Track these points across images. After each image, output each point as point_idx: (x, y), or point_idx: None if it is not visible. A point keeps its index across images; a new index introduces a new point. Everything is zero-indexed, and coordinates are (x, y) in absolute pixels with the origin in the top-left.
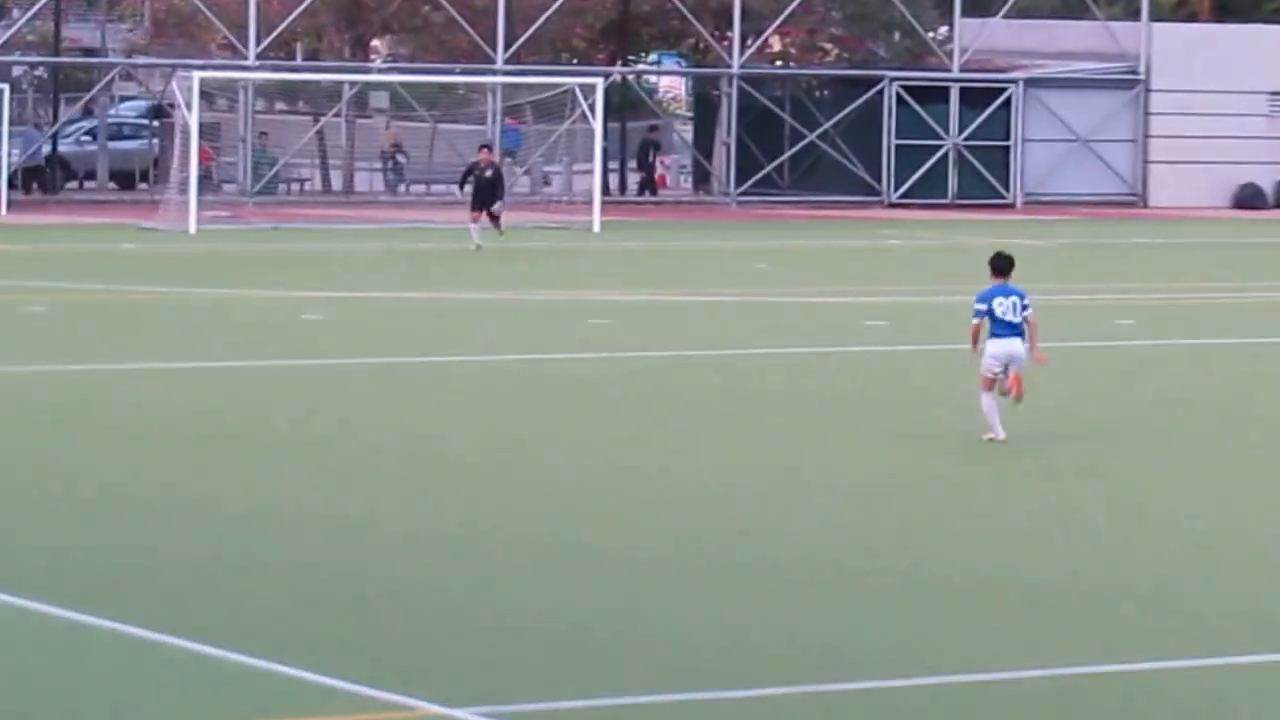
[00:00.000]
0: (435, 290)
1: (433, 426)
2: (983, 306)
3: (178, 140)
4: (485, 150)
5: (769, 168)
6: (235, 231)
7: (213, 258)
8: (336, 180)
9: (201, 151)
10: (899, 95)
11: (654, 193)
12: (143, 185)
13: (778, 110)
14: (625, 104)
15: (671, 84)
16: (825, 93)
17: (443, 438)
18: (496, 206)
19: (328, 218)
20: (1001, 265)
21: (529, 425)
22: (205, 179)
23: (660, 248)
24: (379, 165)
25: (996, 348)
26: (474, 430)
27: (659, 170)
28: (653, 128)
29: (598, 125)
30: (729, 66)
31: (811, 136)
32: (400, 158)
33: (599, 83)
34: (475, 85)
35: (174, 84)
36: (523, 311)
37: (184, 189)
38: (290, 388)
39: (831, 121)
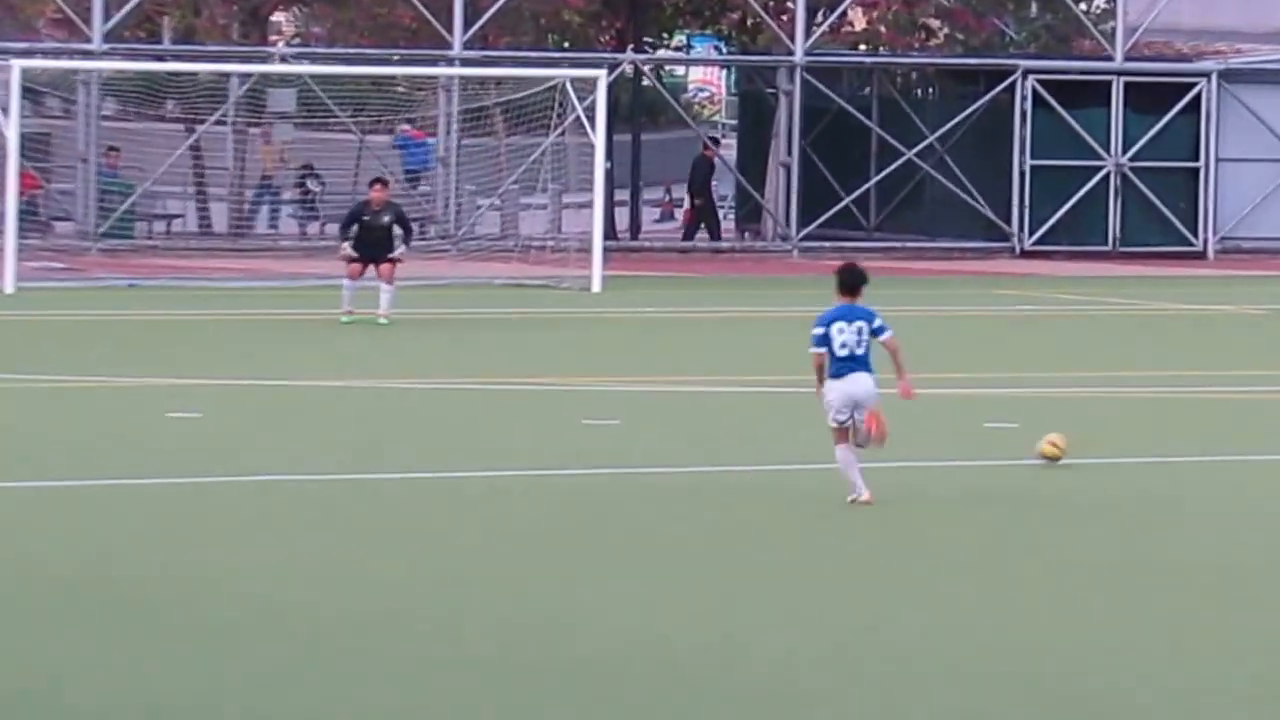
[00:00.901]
0: (360, 374)
1: (366, 584)
2: (821, 332)
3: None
4: (378, 187)
5: (847, 200)
6: (72, 291)
7: (39, 329)
8: (219, 217)
9: (24, 176)
10: (1036, 94)
11: (715, 236)
12: None
13: (860, 116)
14: (639, 107)
15: (707, 78)
16: (930, 91)
17: (383, 604)
18: (399, 251)
19: (207, 271)
20: (851, 281)
21: (505, 573)
22: (29, 214)
23: (688, 316)
24: (280, 196)
25: (837, 391)
26: (424, 590)
27: (685, 203)
28: (712, 143)
29: (599, 137)
30: (790, 53)
31: (909, 154)
32: (312, 184)
33: (601, 76)
34: (422, 80)
35: None
36: (487, 405)
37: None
38: (143, 521)
39: (939, 132)
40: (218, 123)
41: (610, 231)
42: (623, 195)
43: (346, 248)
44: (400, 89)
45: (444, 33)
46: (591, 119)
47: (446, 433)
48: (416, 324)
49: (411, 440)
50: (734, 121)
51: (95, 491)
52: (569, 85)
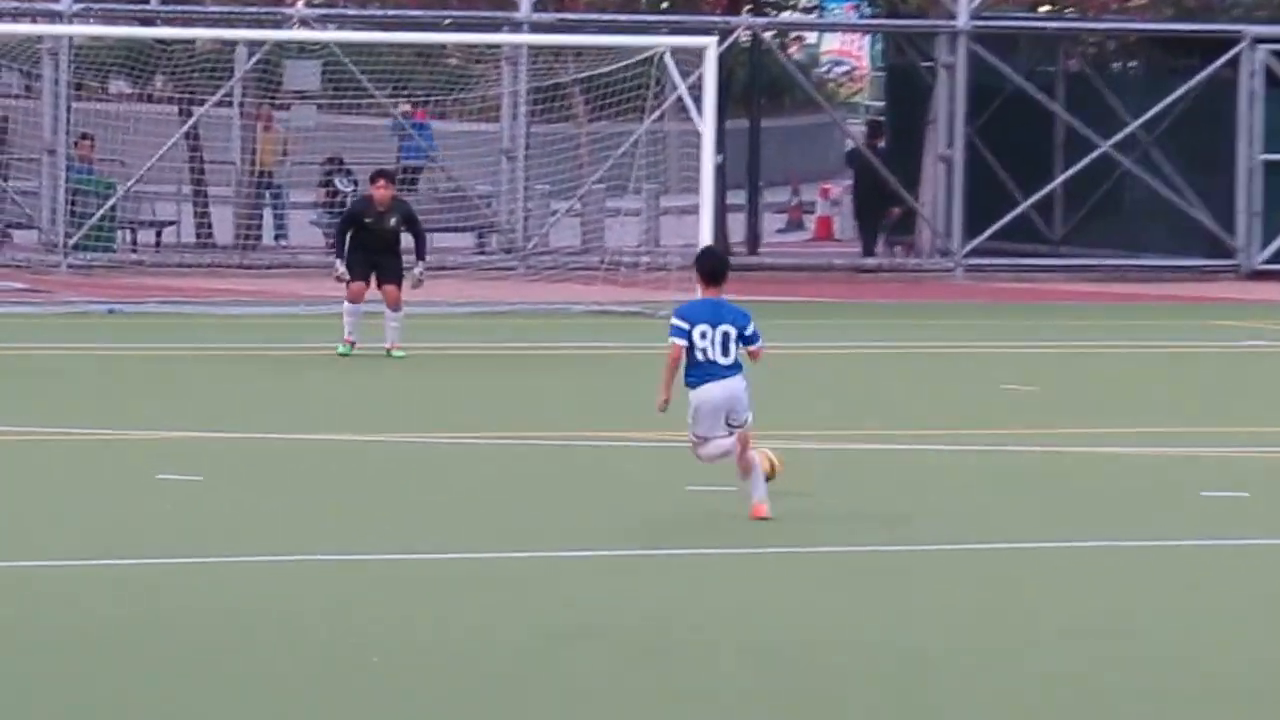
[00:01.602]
0: (396, 428)
1: None
2: (684, 325)
3: None
4: (382, 183)
5: (1025, 204)
6: (35, 319)
7: None
8: (223, 225)
9: None
10: (1269, 69)
11: (895, 246)
12: None
13: (1041, 97)
14: (758, 86)
15: (845, 48)
16: (1131, 66)
17: None
18: (418, 270)
19: (206, 294)
20: (712, 269)
21: None
22: None
23: (822, 353)
24: (281, 197)
25: (704, 397)
26: None
27: (819, 208)
28: (874, 128)
29: (707, 123)
30: (951, 17)
31: (1105, 146)
32: (341, 182)
33: (710, 45)
34: (482, 50)
35: None
36: (572, 466)
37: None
38: (137, 609)
39: (1143, 119)
40: (221, 104)
41: (723, 245)
42: (738, 198)
43: (340, 265)
44: (453, 61)
45: None
46: (698, 100)
47: (520, 502)
48: (471, 361)
49: (467, 510)
50: (879, 103)
51: (66, 575)
52: (669, 57)
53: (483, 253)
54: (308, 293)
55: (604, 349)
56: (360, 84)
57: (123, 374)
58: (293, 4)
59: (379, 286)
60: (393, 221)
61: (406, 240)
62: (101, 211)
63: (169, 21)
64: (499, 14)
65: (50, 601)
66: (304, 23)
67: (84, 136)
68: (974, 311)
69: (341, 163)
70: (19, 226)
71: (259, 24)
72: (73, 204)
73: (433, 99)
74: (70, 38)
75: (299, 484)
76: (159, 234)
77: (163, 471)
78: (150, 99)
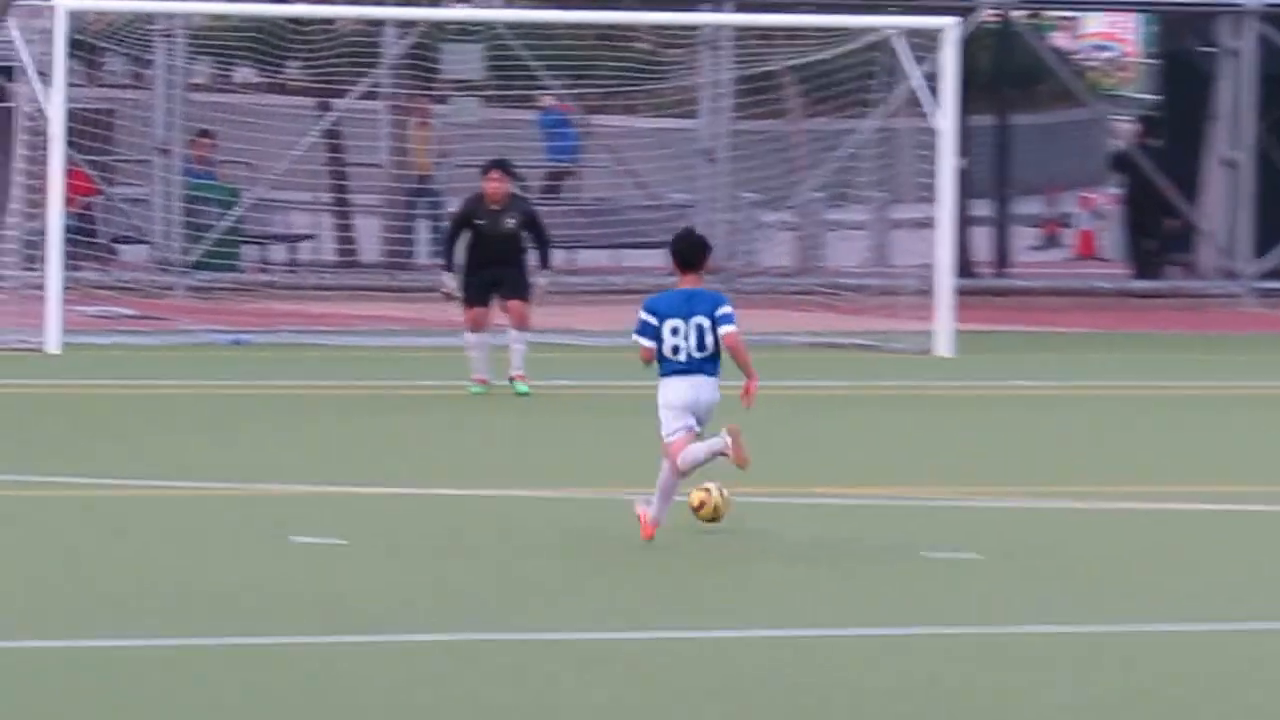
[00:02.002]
0: (572, 480)
1: None
2: (651, 320)
3: (17, 152)
4: (496, 174)
5: None
6: (146, 351)
7: (96, 407)
8: (369, 239)
9: (72, 175)
10: None
11: (1172, 267)
12: None
13: None
14: (1008, 75)
15: (1111, 31)
16: None
17: None
18: (543, 281)
19: (349, 321)
20: (688, 254)
21: None
22: (82, 234)
23: (1088, 393)
24: (442, 206)
25: (676, 393)
26: None
27: (1079, 221)
28: (1147, 125)
29: (947, 119)
30: None
31: None
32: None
33: (950, 27)
34: (676, 32)
35: (10, 23)
36: (784, 524)
37: (31, 258)
38: (254, 697)
39: None
40: (366, 95)
41: (965, 264)
42: (982, 209)
43: (449, 280)
44: (643, 45)
45: None
46: (935, 92)
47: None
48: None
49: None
50: (1151, 96)
51: (195, 656)
52: (902, 42)
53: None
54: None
55: (825, 389)
56: (531, 72)
57: (250, 416)
58: None
59: (502, 305)
60: (510, 222)
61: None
62: (224, 223)
63: None
64: None
65: (175, 682)
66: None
67: (203, 134)
68: (1267, 345)
69: (507, 166)
70: (126, 241)
71: (412, 0)
72: (190, 214)
73: (618, 90)
74: (188, 17)
75: (459, 549)
76: (293, 250)
77: (298, 532)
78: (282, 89)
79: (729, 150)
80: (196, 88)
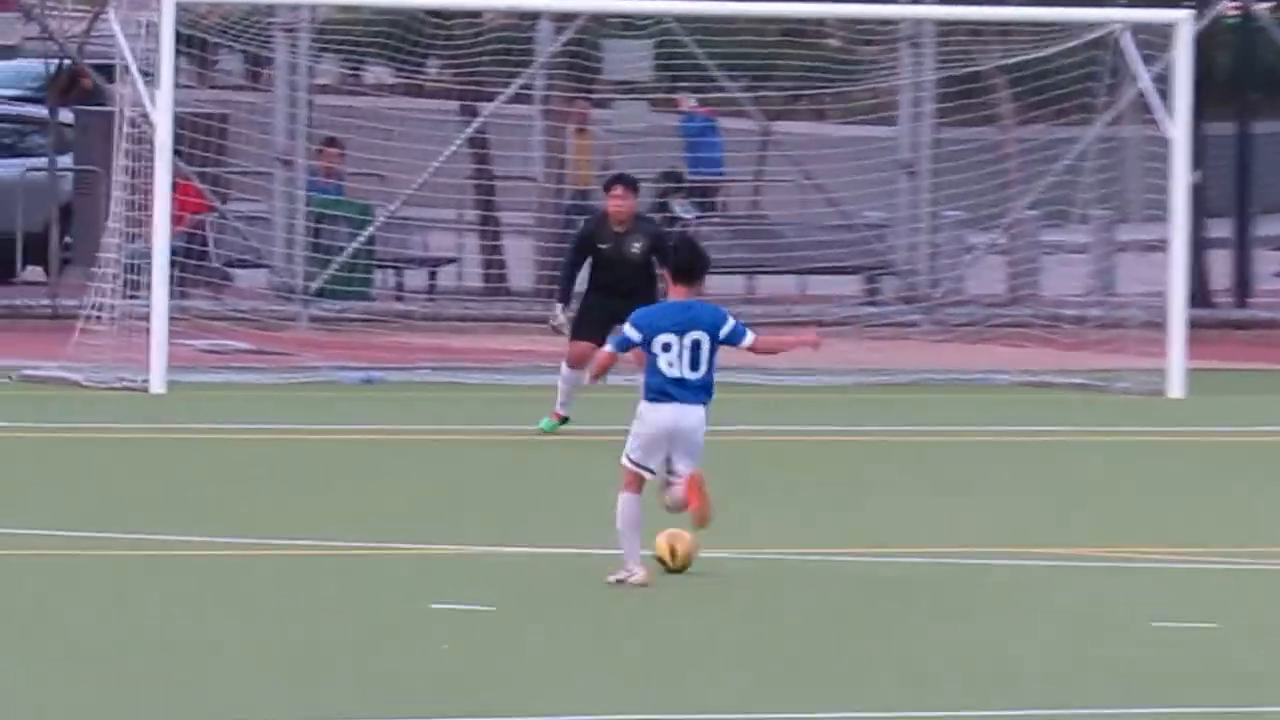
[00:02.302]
0: (765, 539)
1: None
2: (635, 336)
3: (118, 162)
4: (619, 190)
5: None
6: (264, 390)
7: (206, 454)
8: (520, 262)
9: (182, 190)
10: None
11: None
12: (30, 271)
13: None
14: (1252, 76)
15: None
16: None
17: None
18: None
19: (497, 358)
20: (689, 266)
21: None
22: (193, 254)
23: None
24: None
25: (654, 422)
26: None
27: None
28: None
29: (1179, 127)
30: None
31: None
32: (679, 206)
33: (1184, 21)
34: (872, 26)
35: (111, 16)
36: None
37: (134, 283)
38: None
39: None
40: (517, 98)
41: (1200, 293)
42: (1222, 229)
43: (559, 313)
44: (834, 42)
45: None
46: (1167, 96)
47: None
48: (856, 450)
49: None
50: None
51: None
52: (1128, 39)
53: (873, 303)
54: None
55: (1039, 434)
56: (706, 72)
57: (382, 465)
58: None
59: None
60: (636, 247)
61: None
62: (354, 244)
63: None
64: None
65: None
66: None
67: (330, 143)
68: None
69: (680, 179)
70: (242, 265)
71: None
72: (315, 234)
73: (805, 92)
74: (313, 9)
75: (620, 616)
76: (433, 276)
77: (439, 598)
78: (421, 92)
79: (931, 162)
80: (323, 89)
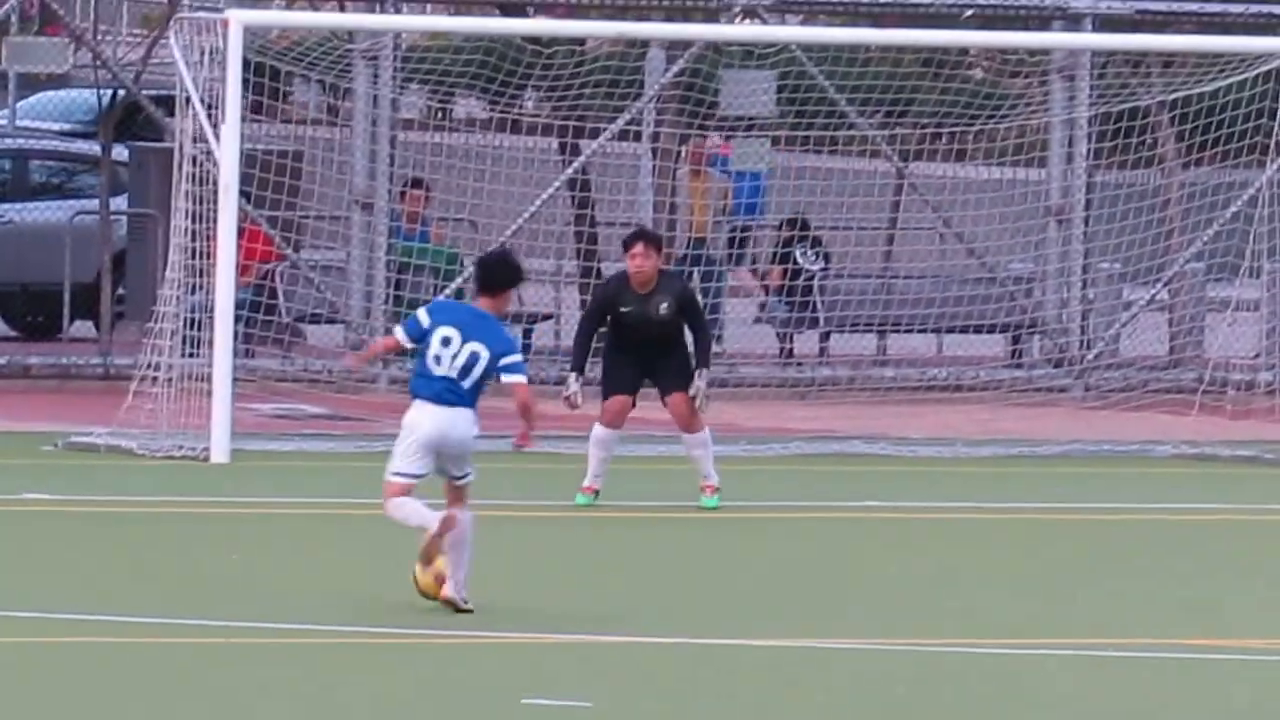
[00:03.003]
0: (884, 629)
1: None
2: (424, 321)
3: (177, 205)
4: (641, 248)
5: None
6: (337, 460)
7: (273, 534)
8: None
9: (250, 236)
10: None
11: None
12: (79, 327)
13: None
14: None
15: None
16: None
17: None
18: (699, 383)
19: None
20: (492, 274)
21: None
22: (260, 308)
23: None
24: (720, 276)
25: (425, 422)
26: None
27: None
28: None
29: None
30: None
31: None
32: (803, 256)
33: None
34: (1022, 56)
35: (171, 41)
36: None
37: (194, 340)
38: None
39: None
40: (623, 135)
41: None
42: None
43: (572, 383)
44: (977, 73)
45: None
46: None
47: None
48: (999, 528)
49: None
50: None
51: None
52: None
53: (1018, 365)
54: (752, 424)
55: (1200, 513)
56: (836, 106)
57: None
58: None
59: (662, 399)
60: (663, 308)
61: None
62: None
63: (546, 10)
64: (1048, 1)
65: None
66: (751, 14)
67: (415, 184)
68: None
69: (806, 226)
70: (315, 320)
71: (682, 15)
72: (397, 286)
73: (945, 130)
74: (397, 35)
75: (738, 713)
76: (528, 334)
77: (530, 693)
78: (517, 128)
79: (1084, 208)
80: (407, 125)
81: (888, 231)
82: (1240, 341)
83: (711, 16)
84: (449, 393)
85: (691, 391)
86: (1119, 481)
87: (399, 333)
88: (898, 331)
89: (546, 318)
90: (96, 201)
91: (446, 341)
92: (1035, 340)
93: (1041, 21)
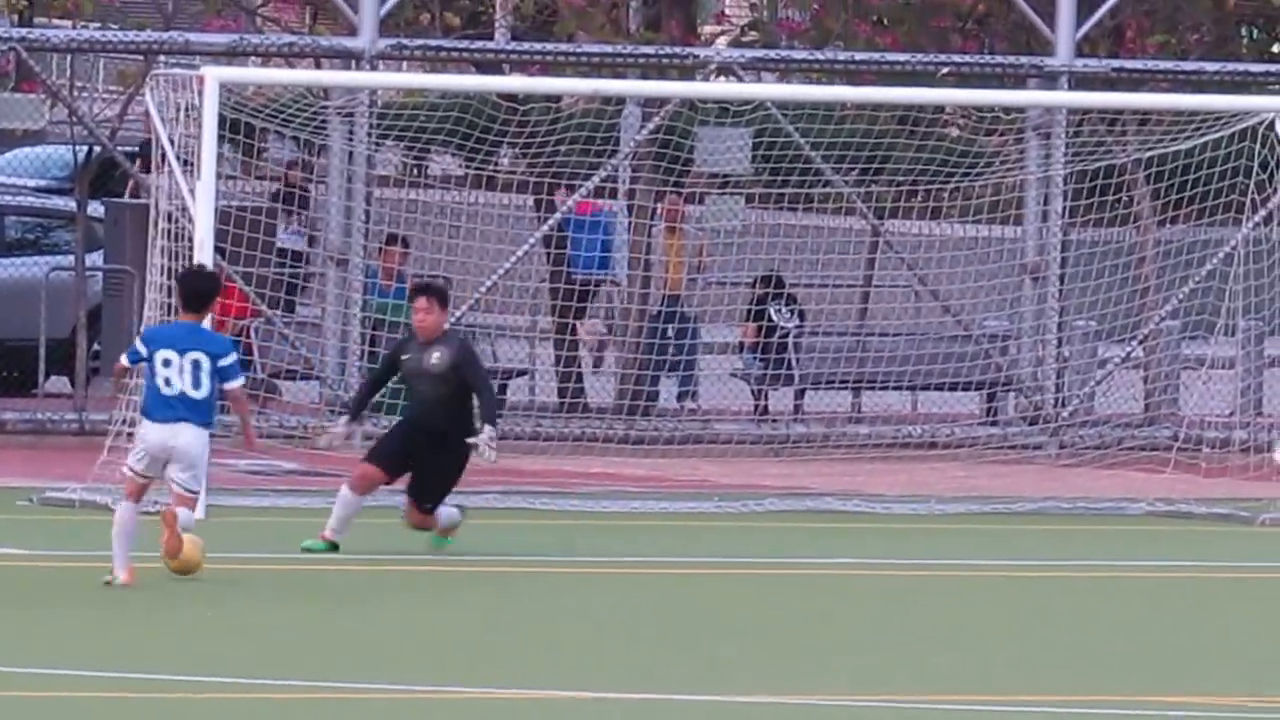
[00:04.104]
0: (879, 684)
1: None
2: (141, 350)
3: (152, 261)
4: (423, 302)
5: None
6: (312, 516)
7: (246, 590)
8: (601, 375)
9: (225, 292)
10: None
11: None
12: (55, 383)
13: None
14: None
15: None
16: None
17: None
18: (484, 436)
19: (574, 481)
20: (194, 291)
21: None
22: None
23: None
24: (694, 333)
25: (152, 436)
26: None
27: None
28: None
29: None
30: None
31: None
32: (778, 314)
33: None
34: (996, 115)
35: (147, 96)
36: None
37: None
38: None
39: None
40: (599, 192)
41: None
42: None
43: (341, 424)
44: (954, 130)
45: (1045, 30)
46: None
47: None
48: (964, 586)
49: None
50: None
51: None
52: None
53: (993, 422)
54: (725, 481)
55: (1177, 569)
56: (812, 164)
57: (440, 601)
58: (709, 43)
59: (408, 497)
60: (434, 358)
61: None
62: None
63: (521, 67)
64: (1023, 59)
65: None
66: (727, 71)
67: (391, 240)
68: None
69: (781, 283)
70: (291, 376)
71: (658, 72)
72: (372, 343)
73: (920, 187)
74: (373, 92)
75: None
76: (503, 390)
77: None
78: (492, 185)
79: (1060, 266)
80: (383, 181)
81: (863, 289)
82: (1215, 399)
83: (687, 74)
84: (173, 410)
85: (485, 437)
86: (1093, 539)
87: (124, 359)
88: (872, 389)
89: (521, 374)
90: (72, 257)
91: (168, 363)
92: (1010, 398)
93: (1017, 79)
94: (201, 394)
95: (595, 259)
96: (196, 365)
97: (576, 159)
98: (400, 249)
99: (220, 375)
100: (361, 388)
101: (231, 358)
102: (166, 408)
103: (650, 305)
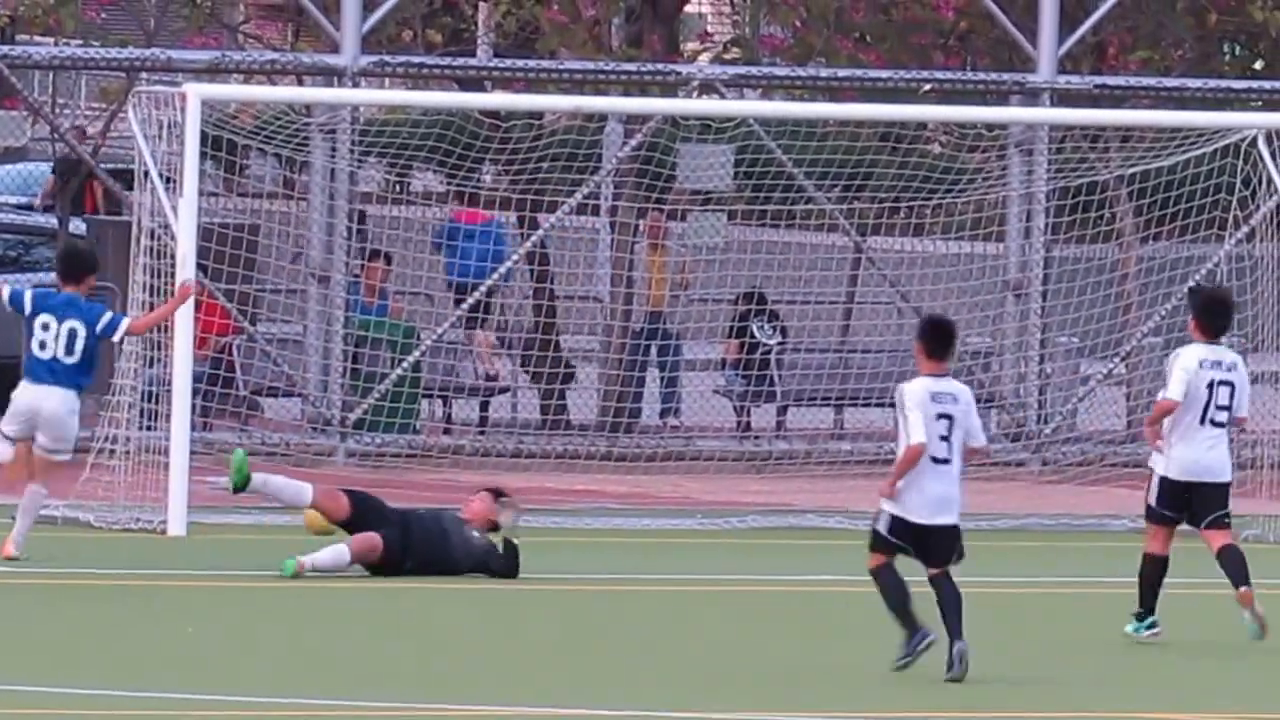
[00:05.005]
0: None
1: None
2: (26, 306)
3: (134, 278)
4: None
5: None
6: (294, 533)
7: (228, 609)
8: (584, 392)
9: (207, 309)
10: None
11: None
12: None
13: None
14: None
15: None
16: None
17: None
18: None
19: (556, 498)
20: (75, 266)
21: None
22: (217, 381)
23: None
24: (677, 350)
25: (22, 397)
26: None
27: None
28: None
29: None
30: None
31: None
32: (761, 331)
33: None
34: (979, 131)
35: (130, 113)
36: None
37: (151, 413)
38: None
39: None
40: (581, 209)
41: None
42: None
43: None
44: (936, 147)
45: (1027, 47)
46: None
47: None
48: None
49: None
50: None
51: None
52: (1263, 144)
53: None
54: (708, 498)
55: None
56: (794, 180)
57: (435, 619)
58: (691, 60)
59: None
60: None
61: None
62: (398, 372)
63: (504, 84)
64: (1005, 76)
65: None
66: (709, 88)
67: (374, 256)
68: None
69: (763, 300)
70: (273, 393)
71: (640, 89)
72: (355, 359)
73: (902, 204)
74: (355, 109)
75: None
76: (485, 406)
77: None
78: (474, 201)
79: (1042, 283)
80: (365, 198)
81: (845, 305)
82: None
83: (669, 91)
84: (49, 373)
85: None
86: (1076, 555)
87: (5, 290)
88: (855, 405)
89: (504, 390)
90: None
91: (46, 327)
92: (993, 414)
93: (1000, 96)
94: (74, 359)
95: (483, 268)
96: (72, 333)
97: (559, 176)
98: (383, 265)
99: (104, 334)
100: None
101: (107, 316)
102: (41, 369)
103: (633, 322)
